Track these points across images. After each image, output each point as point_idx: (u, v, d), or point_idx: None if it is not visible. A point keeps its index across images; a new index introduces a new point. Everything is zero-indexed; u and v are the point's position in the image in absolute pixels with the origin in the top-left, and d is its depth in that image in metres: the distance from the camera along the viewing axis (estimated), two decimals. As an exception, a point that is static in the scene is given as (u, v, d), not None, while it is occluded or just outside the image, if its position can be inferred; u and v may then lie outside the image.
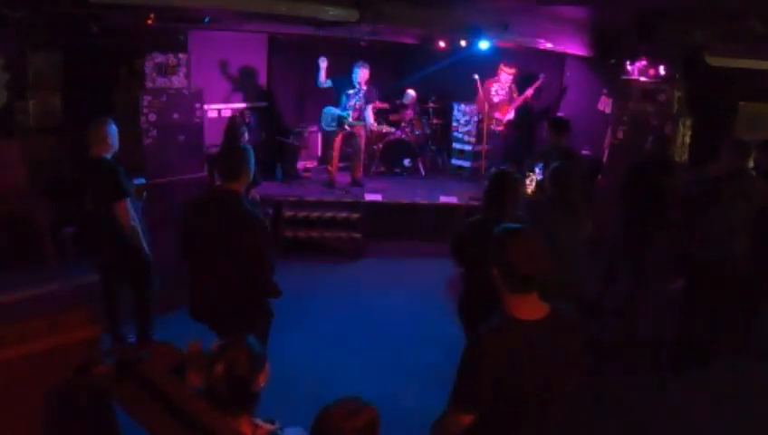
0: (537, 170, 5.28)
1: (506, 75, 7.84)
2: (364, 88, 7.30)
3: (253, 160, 3.33)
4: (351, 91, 7.32)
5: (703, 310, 4.61)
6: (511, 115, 7.94)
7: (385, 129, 8.17)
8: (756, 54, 5.65)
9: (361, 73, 7.21)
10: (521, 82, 8.06)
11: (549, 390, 2.08)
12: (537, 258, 2.02)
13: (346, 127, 7.39)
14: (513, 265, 2.01)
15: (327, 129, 7.47)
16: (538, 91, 7.88)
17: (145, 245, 4.20)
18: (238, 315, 3.25)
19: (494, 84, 7.95)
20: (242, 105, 7.94)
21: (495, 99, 7.95)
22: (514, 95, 7.91)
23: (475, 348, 2.04)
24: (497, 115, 7.96)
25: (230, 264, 3.18)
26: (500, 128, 8.00)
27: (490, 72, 7.99)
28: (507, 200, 3.37)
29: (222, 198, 3.27)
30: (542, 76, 7.77)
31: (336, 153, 7.61)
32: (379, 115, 8.53)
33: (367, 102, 7.41)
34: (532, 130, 8.31)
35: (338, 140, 7.52)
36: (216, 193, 3.37)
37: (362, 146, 7.69)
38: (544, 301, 2.10)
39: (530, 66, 8.16)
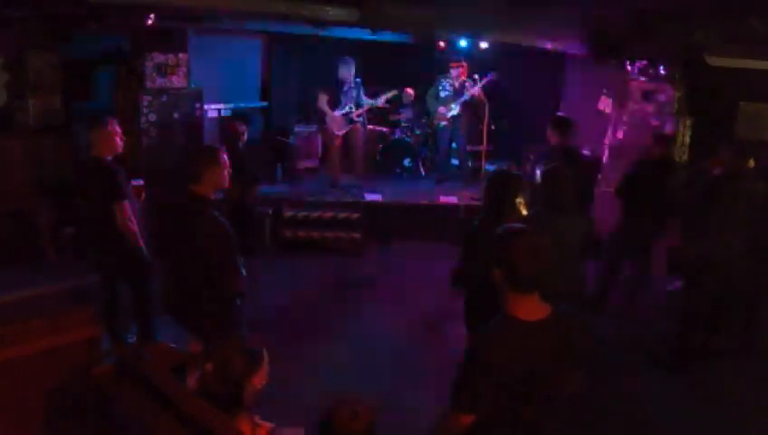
0: (537, 173, 5.23)
1: (455, 72, 7.86)
2: (353, 80, 7.42)
3: (219, 161, 3.28)
4: (345, 88, 7.42)
5: (703, 310, 4.61)
6: (455, 111, 7.91)
7: (383, 98, 8.08)
8: (756, 54, 5.65)
9: (349, 69, 7.32)
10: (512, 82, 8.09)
11: (550, 390, 2.08)
12: (539, 258, 2.02)
13: (354, 118, 7.47)
14: (514, 265, 2.01)
15: (339, 133, 7.49)
16: (486, 88, 7.79)
17: (143, 244, 4.19)
18: (204, 316, 3.26)
19: (444, 81, 7.94)
20: (242, 105, 7.94)
21: (442, 94, 7.94)
22: (465, 92, 7.86)
23: (476, 348, 2.04)
24: (441, 110, 7.95)
25: (194, 267, 3.20)
26: (444, 123, 7.99)
27: (446, 69, 8.02)
28: (508, 200, 3.36)
29: (186, 202, 3.26)
30: (490, 74, 7.71)
31: (338, 152, 7.66)
32: (379, 115, 8.55)
33: (359, 91, 7.53)
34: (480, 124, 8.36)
35: (339, 140, 7.56)
36: (181, 197, 3.33)
37: (360, 143, 7.72)
38: (556, 300, 2.10)
39: (529, 66, 8.16)
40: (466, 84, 7.84)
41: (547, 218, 3.56)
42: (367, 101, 7.63)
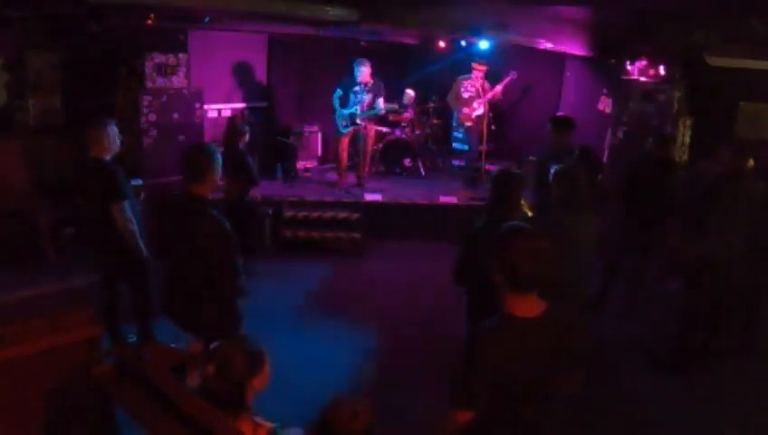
0: (552, 170, 5.23)
1: (477, 72, 7.87)
2: (370, 83, 7.35)
3: (219, 161, 3.29)
4: (357, 89, 7.38)
5: (703, 310, 4.60)
6: (480, 111, 7.91)
7: (389, 109, 8.08)
8: (756, 54, 5.65)
9: (362, 71, 7.27)
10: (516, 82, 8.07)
11: (547, 388, 2.08)
12: (538, 258, 2.01)
13: (358, 121, 7.43)
14: (514, 265, 2.01)
15: (343, 131, 7.50)
16: (508, 87, 7.86)
17: (143, 245, 4.19)
18: (205, 317, 3.26)
19: (466, 82, 7.97)
20: (242, 105, 7.95)
21: (465, 95, 7.96)
22: (485, 91, 7.88)
23: (472, 346, 2.05)
24: (465, 111, 7.96)
25: (195, 267, 3.19)
26: (469, 123, 8.00)
27: (491, 71, 8.00)
28: (512, 200, 3.37)
29: (185, 202, 3.24)
30: (512, 73, 7.73)
31: (345, 153, 7.67)
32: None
33: (376, 96, 7.45)
34: (501, 126, 8.48)
35: (346, 140, 7.56)
36: (180, 197, 3.31)
37: (368, 146, 7.72)
38: (556, 300, 2.10)
39: (529, 66, 8.15)
40: (486, 85, 7.85)
41: (563, 218, 3.56)
42: (381, 109, 7.58)
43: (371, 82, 7.35)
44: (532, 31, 6.68)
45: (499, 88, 7.77)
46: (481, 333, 2.10)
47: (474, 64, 7.89)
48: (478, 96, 7.88)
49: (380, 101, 7.49)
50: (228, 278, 3.23)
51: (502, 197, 3.39)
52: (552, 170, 3.82)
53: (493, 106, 8.13)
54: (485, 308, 2.21)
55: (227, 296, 3.31)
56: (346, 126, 7.48)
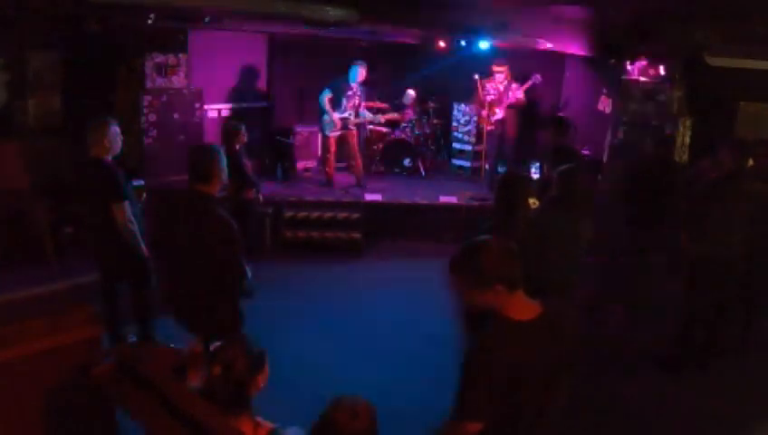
0: (533, 170, 5.26)
1: (498, 74, 7.79)
2: (362, 87, 7.35)
3: (224, 160, 3.30)
4: (350, 92, 7.35)
5: (703, 310, 4.61)
6: (500, 114, 7.83)
7: (383, 118, 8.08)
8: (756, 54, 5.65)
9: (361, 72, 7.24)
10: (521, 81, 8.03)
11: (547, 388, 2.08)
12: (507, 259, 2.02)
13: (350, 126, 7.41)
14: (486, 270, 2.01)
15: (330, 134, 7.46)
16: (531, 91, 7.81)
17: (143, 245, 4.19)
18: (208, 316, 3.26)
19: (489, 84, 7.91)
20: (242, 105, 7.94)
21: (489, 98, 7.90)
22: (509, 93, 7.82)
23: (477, 355, 2.03)
24: (484, 114, 7.92)
25: (200, 266, 3.18)
26: (490, 127, 7.94)
27: (489, 72, 7.98)
28: (517, 203, 3.37)
29: (192, 200, 3.24)
30: (535, 76, 7.68)
31: (333, 154, 7.64)
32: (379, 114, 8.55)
33: (363, 100, 7.51)
34: (533, 131, 8.27)
35: (333, 141, 7.53)
36: (186, 195, 3.31)
37: (356, 146, 7.69)
38: (543, 298, 2.10)
39: (529, 66, 8.15)
40: (513, 85, 7.78)
41: (557, 217, 3.56)
42: (367, 115, 7.58)
43: (363, 87, 7.38)
44: (533, 31, 6.68)
45: (521, 91, 7.67)
46: (482, 341, 2.08)
47: (493, 66, 7.78)
48: (501, 99, 7.80)
49: (363, 107, 7.55)
50: (233, 278, 3.23)
51: (505, 198, 3.40)
52: (533, 170, 3.83)
53: (518, 110, 7.91)
54: (485, 312, 2.21)
55: (232, 296, 3.31)
56: (335, 130, 7.42)
